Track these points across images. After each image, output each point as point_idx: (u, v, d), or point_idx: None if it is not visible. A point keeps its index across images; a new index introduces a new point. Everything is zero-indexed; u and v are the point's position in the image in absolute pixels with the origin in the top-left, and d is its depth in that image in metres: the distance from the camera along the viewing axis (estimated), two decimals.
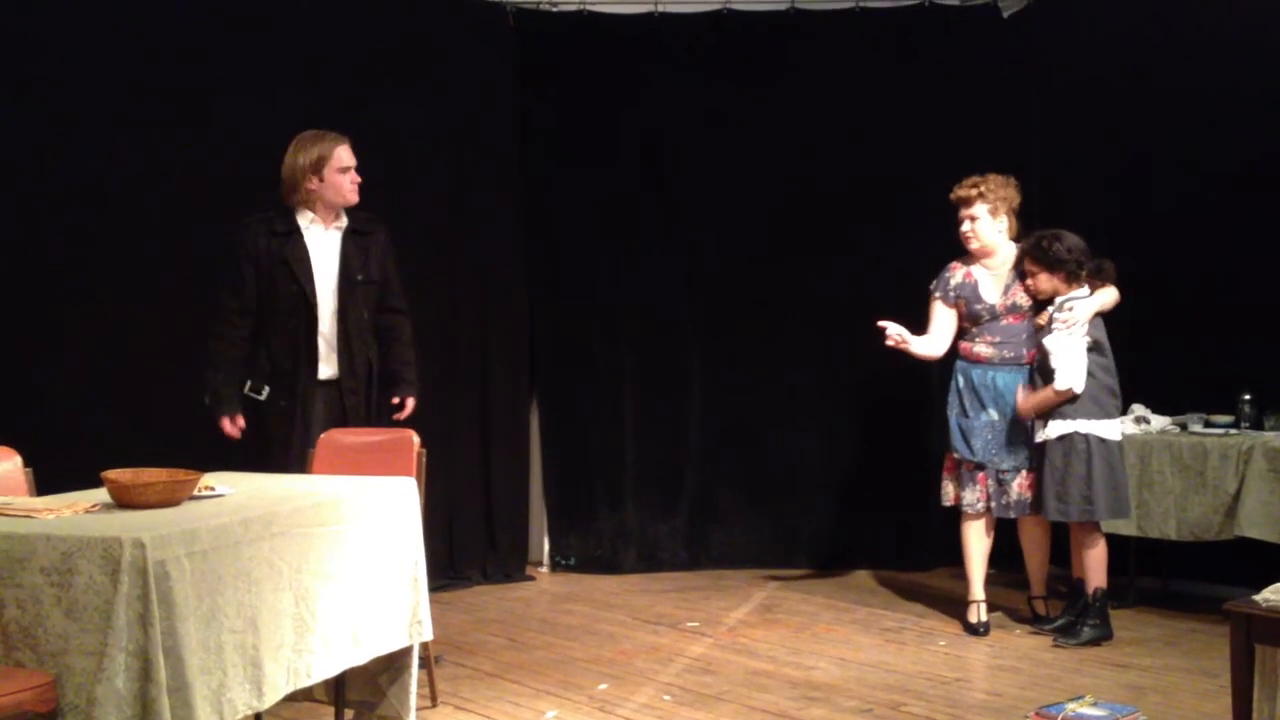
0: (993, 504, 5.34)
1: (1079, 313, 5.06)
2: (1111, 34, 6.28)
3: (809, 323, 6.82)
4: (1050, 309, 5.16)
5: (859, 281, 6.66)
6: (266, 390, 4.57)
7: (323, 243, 4.65)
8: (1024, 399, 5.17)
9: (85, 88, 5.25)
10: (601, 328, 6.88)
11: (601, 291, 6.86)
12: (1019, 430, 5.29)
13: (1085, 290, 5.12)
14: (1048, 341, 5.10)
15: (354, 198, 4.68)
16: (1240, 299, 5.83)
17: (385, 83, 6.17)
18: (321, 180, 4.61)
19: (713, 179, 6.81)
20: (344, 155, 4.65)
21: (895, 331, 5.34)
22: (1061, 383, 5.03)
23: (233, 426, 4.53)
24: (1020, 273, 5.32)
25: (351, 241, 4.70)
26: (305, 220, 4.63)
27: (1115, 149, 6.24)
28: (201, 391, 4.58)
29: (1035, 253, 5.19)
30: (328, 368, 4.66)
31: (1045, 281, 5.18)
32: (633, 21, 6.79)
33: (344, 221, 4.69)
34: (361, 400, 4.70)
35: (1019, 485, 5.30)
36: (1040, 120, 6.59)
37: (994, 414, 5.32)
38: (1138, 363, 5.56)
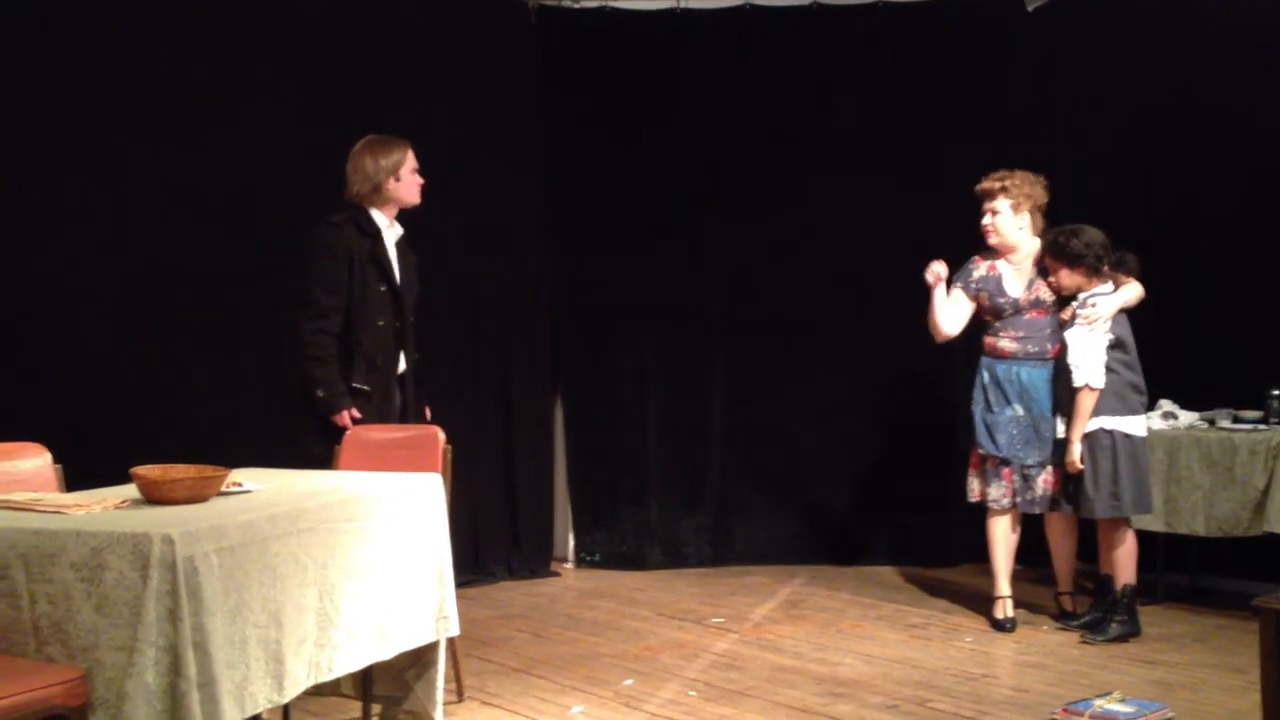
0: (1018, 499, 5.32)
1: (1101, 309, 5.04)
2: (1139, 26, 6.24)
3: (831, 319, 6.81)
4: (1074, 304, 5.14)
5: (882, 279, 6.64)
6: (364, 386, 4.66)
7: (392, 245, 4.80)
8: (1071, 450, 5.10)
9: (96, 85, 5.25)
10: (624, 324, 6.88)
11: (624, 288, 6.87)
12: (1044, 425, 5.26)
13: (1109, 286, 5.10)
14: (1068, 335, 5.09)
15: (419, 198, 4.84)
16: (1269, 294, 5.79)
17: (406, 81, 6.18)
18: (399, 180, 4.76)
19: (736, 176, 6.81)
20: (414, 157, 4.82)
21: (938, 269, 5.37)
22: (1078, 379, 5.02)
23: (349, 419, 4.56)
24: (1043, 269, 5.30)
25: (403, 247, 4.84)
26: (383, 222, 4.77)
27: (1144, 143, 6.21)
28: (308, 386, 4.56)
29: (1053, 249, 5.18)
30: (400, 365, 4.80)
31: (1067, 277, 5.16)
32: (655, 17, 6.79)
33: (399, 229, 4.83)
34: (412, 396, 4.82)
35: (1044, 481, 5.27)
36: (1068, 115, 6.55)
37: (1019, 409, 5.30)
38: (1166, 358, 5.53)
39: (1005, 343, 5.36)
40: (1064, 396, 5.16)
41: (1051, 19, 6.60)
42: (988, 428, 5.34)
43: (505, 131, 6.64)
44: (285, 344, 4.73)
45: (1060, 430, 5.19)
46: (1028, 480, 5.30)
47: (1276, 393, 5.46)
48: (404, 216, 4.86)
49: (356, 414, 4.56)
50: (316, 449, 4.49)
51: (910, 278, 6.42)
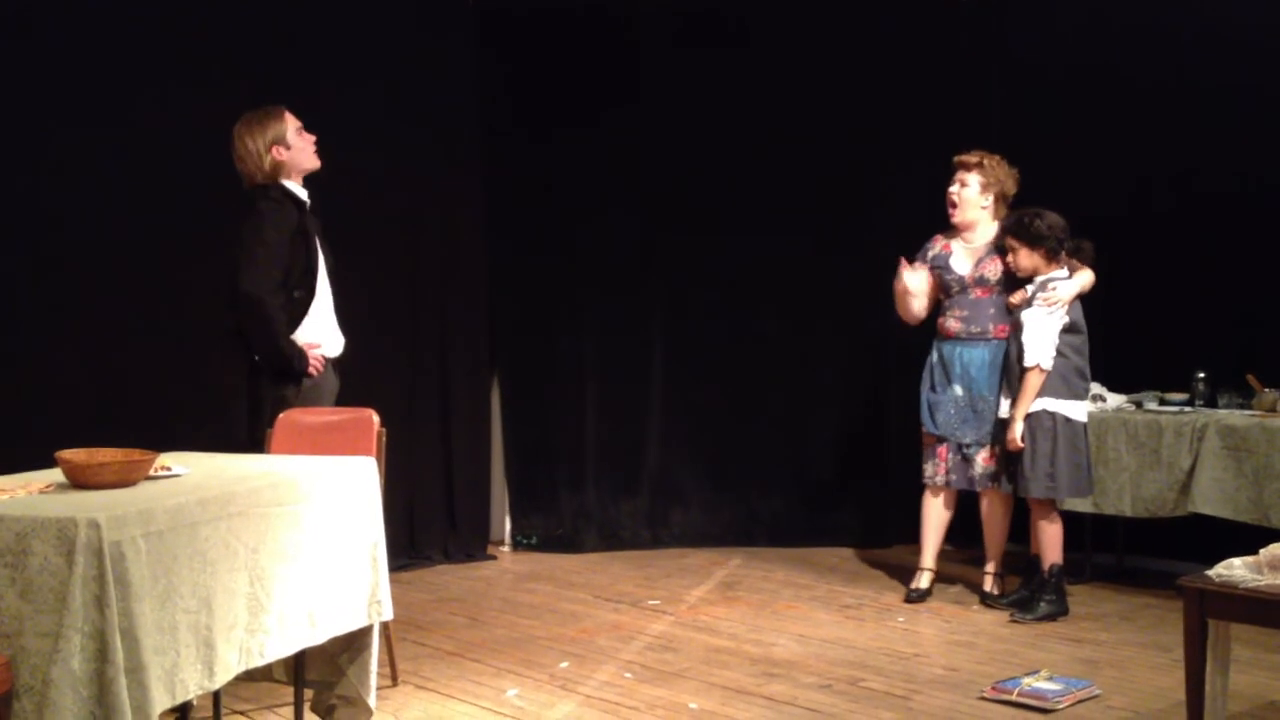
0: (953, 477, 5.40)
1: (1061, 292, 5.11)
2: (1069, 19, 6.32)
3: (771, 303, 6.84)
4: (1030, 287, 5.19)
5: (821, 263, 6.70)
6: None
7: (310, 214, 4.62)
8: (1013, 428, 5.16)
9: (33, 72, 5.16)
10: (563, 306, 6.87)
11: (563, 271, 6.85)
12: (982, 405, 5.34)
13: (1064, 272, 5.17)
14: (1025, 315, 5.15)
15: (318, 159, 4.63)
16: (1195, 278, 5.89)
17: (344, 63, 6.10)
18: (288, 148, 4.54)
19: (676, 159, 6.80)
20: (292, 117, 4.59)
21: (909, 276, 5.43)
22: (1030, 358, 5.08)
23: (316, 361, 4.46)
24: (996, 249, 5.35)
25: (313, 214, 4.66)
26: (301, 193, 4.57)
27: (1073, 135, 6.27)
28: (273, 357, 4.43)
29: (1016, 229, 5.22)
30: (339, 343, 4.67)
31: (1025, 258, 5.21)
32: (595, 6, 6.75)
33: (306, 194, 4.64)
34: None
35: (982, 459, 5.35)
36: (1000, 105, 6.61)
37: (959, 389, 5.37)
38: (1094, 341, 5.60)
39: (951, 322, 5.44)
40: (1012, 375, 5.23)
41: (985, 8, 6.64)
42: (929, 406, 5.44)
43: (444, 113, 6.57)
44: (213, 326, 4.65)
45: (1004, 409, 5.25)
46: (965, 458, 5.37)
47: (1201, 375, 5.56)
48: (312, 184, 4.66)
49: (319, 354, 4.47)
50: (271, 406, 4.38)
51: (852, 263, 6.51)
